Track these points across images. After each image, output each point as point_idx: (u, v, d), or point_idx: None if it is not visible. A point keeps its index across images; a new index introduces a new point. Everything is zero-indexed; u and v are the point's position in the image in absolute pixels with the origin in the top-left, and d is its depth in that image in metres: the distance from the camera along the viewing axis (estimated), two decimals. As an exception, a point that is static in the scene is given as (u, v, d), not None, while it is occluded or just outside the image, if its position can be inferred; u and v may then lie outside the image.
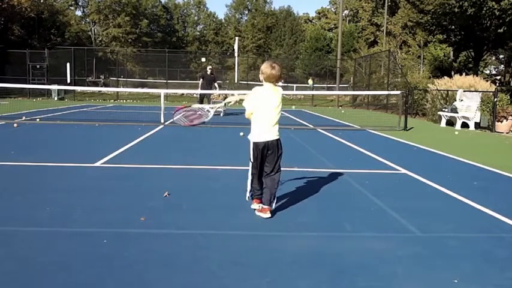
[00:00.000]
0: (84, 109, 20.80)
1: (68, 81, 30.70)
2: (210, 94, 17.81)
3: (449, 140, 11.98)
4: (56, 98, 29.40)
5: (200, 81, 18.05)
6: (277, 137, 4.44)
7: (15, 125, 12.33)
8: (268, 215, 4.38)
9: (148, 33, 65.50)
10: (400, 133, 13.11)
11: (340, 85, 34.95)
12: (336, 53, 34.66)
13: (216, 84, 18.45)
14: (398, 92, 16.10)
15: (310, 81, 41.15)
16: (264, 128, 4.40)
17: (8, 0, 38.31)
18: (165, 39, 67.06)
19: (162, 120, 13.97)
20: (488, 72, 46.93)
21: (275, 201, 4.45)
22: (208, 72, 17.99)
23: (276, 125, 4.44)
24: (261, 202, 4.45)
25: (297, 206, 4.92)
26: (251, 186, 4.55)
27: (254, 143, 4.40)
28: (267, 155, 4.39)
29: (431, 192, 5.82)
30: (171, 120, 4.80)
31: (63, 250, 3.52)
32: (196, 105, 5.00)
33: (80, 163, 7.02)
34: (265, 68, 4.39)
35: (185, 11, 74.88)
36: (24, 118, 14.18)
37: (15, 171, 6.49)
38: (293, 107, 11.47)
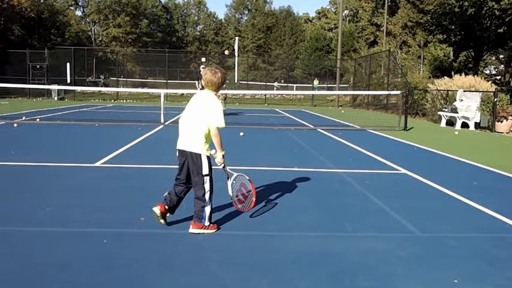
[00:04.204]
0: (84, 109, 20.80)
1: (68, 81, 30.71)
2: None
3: (449, 140, 11.98)
4: (56, 98, 29.40)
5: (196, 83, 18.03)
6: (193, 151, 3.93)
7: (15, 125, 12.33)
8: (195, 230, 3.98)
9: (148, 33, 65.51)
10: (400, 133, 13.11)
11: (340, 85, 34.96)
12: (336, 53, 34.67)
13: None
14: (398, 92, 16.11)
15: (315, 82, 41.31)
16: (180, 134, 4.06)
17: (8, 0, 38.31)
18: (165, 39, 67.07)
19: (162, 120, 13.96)
20: (488, 72, 46.96)
21: (206, 220, 3.98)
22: (202, 72, 17.89)
23: (193, 135, 3.94)
24: (167, 210, 4.05)
25: (297, 206, 4.92)
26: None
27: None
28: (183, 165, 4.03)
29: (432, 192, 5.82)
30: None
31: (63, 250, 3.52)
32: (231, 193, 4.24)
33: (80, 163, 7.02)
34: (204, 73, 4.06)
35: (185, 11, 74.91)
36: (24, 118, 14.18)
37: (15, 171, 6.49)
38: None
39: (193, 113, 4.00)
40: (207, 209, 3.97)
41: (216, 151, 4.04)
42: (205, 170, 3.96)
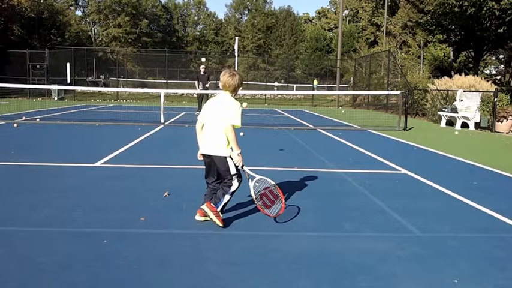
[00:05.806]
0: (84, 109, 20.79)
1: (68, 81, 30.69)
2: (208, 94, 17.82)
3: (449, 140, 11.98)
4: (56, 98, 29.39)
5: (196, 83, 18.03)
6: (218, 154, 4.05)
7: (15, 125, 12.33)
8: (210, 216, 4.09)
9: (148, 33, 65.49)
10: (400, 133, 13.11)
11: (340, 85, 34.95)
12: (336, 53, 34.66)
13: (206, 85, 18.30)
14: (398, 92, 16.11)
15: (315, 82, 41.49)
16: (202, 139, 4.17)
17: (8, 0, 38.29)
18: (165, 39, 67.06)
19: (162, 120, 13.96)
20: (488, 72, 46.93)
21: (220, 206, 4.13)
22: (202, 72, 17.94)
23: (216, 139, 4.05)
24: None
25: (297, 206, 4.92)
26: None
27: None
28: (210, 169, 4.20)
29: (431, 192, 5.82)
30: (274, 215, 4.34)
31: (63, 250, 3.52)
32: (253, 194, 4.23)
33: (80, 163, 7.02)
34: (222, 74, 4.15)
35: (185, 11, 74.88)
36: (24, 118, 14.18)
37: (15, 171, 6.49)
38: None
39: (213, 117, 4.11)
40: (226, 197, 4.12)
41: (232, 150, 4.09)
42: (233, 170, 4.09)
